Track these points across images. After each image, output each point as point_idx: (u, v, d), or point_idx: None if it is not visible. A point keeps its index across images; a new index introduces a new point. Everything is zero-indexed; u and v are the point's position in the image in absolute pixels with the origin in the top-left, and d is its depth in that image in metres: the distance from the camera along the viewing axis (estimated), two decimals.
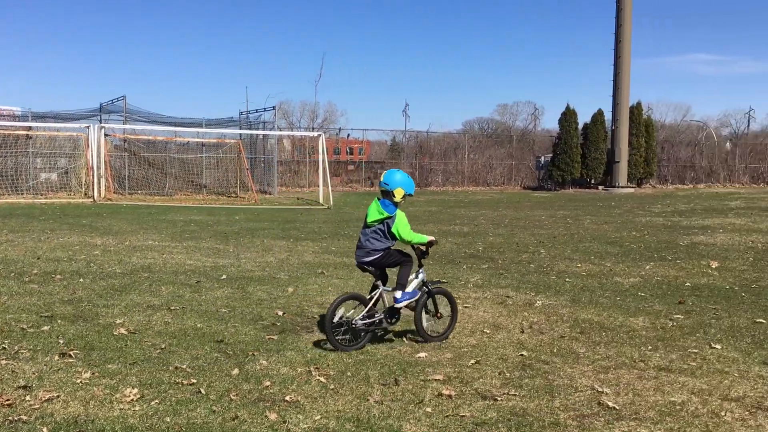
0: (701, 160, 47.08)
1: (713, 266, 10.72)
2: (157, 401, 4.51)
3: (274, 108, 32.50)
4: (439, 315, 6.19)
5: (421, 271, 6.09)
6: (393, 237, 5.84)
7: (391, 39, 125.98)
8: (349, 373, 5.14)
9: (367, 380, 4.99)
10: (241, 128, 32.11)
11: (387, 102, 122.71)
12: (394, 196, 5.80)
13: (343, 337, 5.67)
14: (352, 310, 5.84)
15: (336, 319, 5.58)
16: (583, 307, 7.74)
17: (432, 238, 5.99)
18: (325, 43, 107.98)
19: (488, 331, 6.54)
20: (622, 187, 37.97)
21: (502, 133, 55.71)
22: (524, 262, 11.18)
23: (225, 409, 4.38)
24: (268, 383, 4.89)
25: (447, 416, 4.32)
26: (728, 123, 70.57)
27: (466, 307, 7.64)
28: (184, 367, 5.22)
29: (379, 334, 6.07)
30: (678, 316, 7.28)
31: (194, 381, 4.90)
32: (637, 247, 13.10)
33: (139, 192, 27.36)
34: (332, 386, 4.84)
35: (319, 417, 4.28)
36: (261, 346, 5.90)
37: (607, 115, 39.50)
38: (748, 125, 61.18)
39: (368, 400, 4.56)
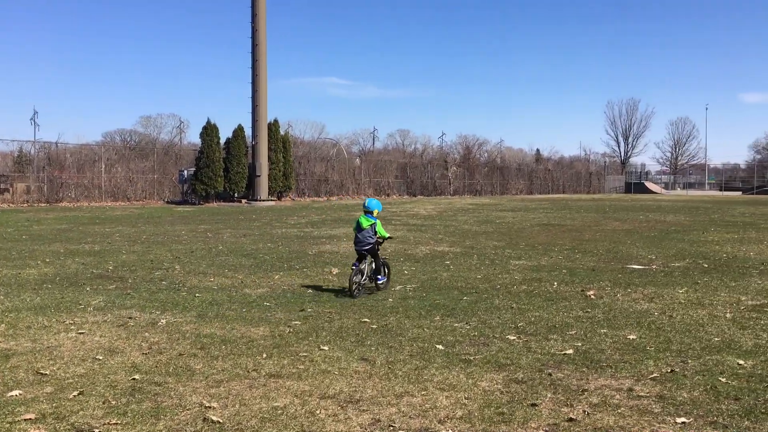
0: (333, 174, 51.46)
1: (333, 272, 11.67)
2: None
3: None
4: (386, 275, 9.95)
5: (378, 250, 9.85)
6: (375, 233, 9.56)
7: (13, 37, 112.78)
8: None
9: None
10: None
11: (11, 109, 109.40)
12: (373, 212, 9.55)
13: (357, 290, 9.26)
14: (358, 274, 9.34)
15: (356, 281, 9.26)
16: (209, 321, 7.72)
17: (390, 235, 10.42)
18: None
19: (101, 358, 6.11)
20: (263, 201, 39.43)
21: (145, 146, 53.65)
22: (156, 280, 10.81)
23: None
24: None
25: None
26: (357, 141, 78.65)
27: (81, 333, 7.06)
28: None
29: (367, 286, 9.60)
30: (296, 322, 7.71)
31: None
32: (270, 258, 13.64)
33: None
34: None
35: None
36: None
37: (248, 131, 40.76)
38: (373, 143, 68.88)
39: None
